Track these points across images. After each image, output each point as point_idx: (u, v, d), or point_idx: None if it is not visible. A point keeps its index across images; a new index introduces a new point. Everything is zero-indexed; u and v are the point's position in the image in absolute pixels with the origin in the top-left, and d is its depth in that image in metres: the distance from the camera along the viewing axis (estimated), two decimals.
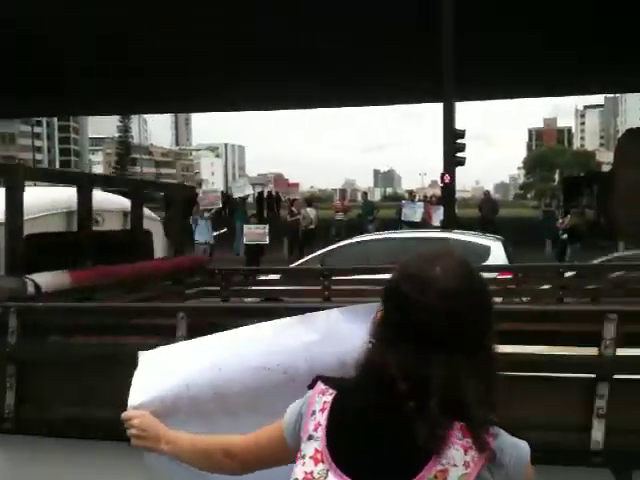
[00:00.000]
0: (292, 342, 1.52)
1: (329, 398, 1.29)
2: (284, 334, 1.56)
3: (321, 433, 1.26)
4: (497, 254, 8.47)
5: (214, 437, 1.46)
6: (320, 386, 1.32)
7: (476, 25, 17.98)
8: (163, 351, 1.67)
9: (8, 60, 24.52)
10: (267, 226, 15.99)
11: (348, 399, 1.27)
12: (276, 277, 5.38)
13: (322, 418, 1.27)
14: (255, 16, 19.35)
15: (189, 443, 1.46)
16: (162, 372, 1.60)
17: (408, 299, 1.22)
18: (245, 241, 15.63)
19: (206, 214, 15.13)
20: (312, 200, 20.91)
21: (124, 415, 1.55)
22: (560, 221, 16.36)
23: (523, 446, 1.28)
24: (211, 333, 1.71)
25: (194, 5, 18.32)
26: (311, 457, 1.24)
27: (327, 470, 1.22)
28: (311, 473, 1.23)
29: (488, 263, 7.61)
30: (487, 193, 24.81)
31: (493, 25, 19.69)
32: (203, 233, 14.98)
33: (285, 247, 19.24)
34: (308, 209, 19.10)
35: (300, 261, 9.63)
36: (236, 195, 17.56)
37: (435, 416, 1.16)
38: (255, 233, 15.65)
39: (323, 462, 1.23)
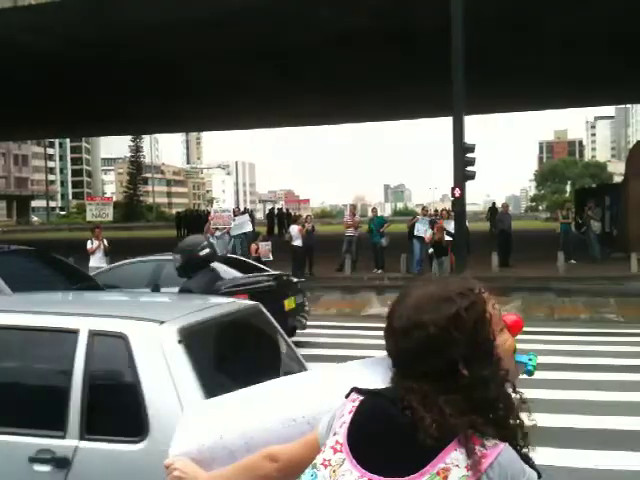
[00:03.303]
0: (316, 394, 1.62)
1: (357, 402, 1.44)
2: (311, 386, 1.68)
3: (344, 428, 1.40)
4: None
5: (253, 455, 1.60)
6: (353, 395, 1.45)
7: (485, 38, 18.03)
8: (205, 404, 1.83)
9: (21, 83, 24.85)
10: (270, 243, 16.24)
11: (372, 401, 1.42)
12: None
13: (347, 417, 1.41)
14: (273, 36, 19.50)
15: (229, 469, 1.59)
16: (201, 423, 1.70)
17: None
18: (262, 258, 15.80)
19: (217, 233, 15.54)
20: (297, 217, 21.14)
21: (166, 462, 1.68)
22: (428, 236, 16.60)
23: (525, 470, 1.36)
24: None
25: (206, 27, 18.49)
26: (331, 447, 1.39)
27: (344, 459, 1.36)
28: (329, 460, 1.38)
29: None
30: (506, 205, 24.52)
31: (501, 38, 19.75)
32: None
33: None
34: (292, 226, 19.21)
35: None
36: (234, 233, 17.46)
37: (440, 420, 1.31)
38: (262, 250, 15.83)
39: (341, 452, 1.37)
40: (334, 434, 1.42)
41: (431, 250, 16.48)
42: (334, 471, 1.37)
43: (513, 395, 1.43)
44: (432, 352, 1.36)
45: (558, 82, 26.33)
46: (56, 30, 18.91)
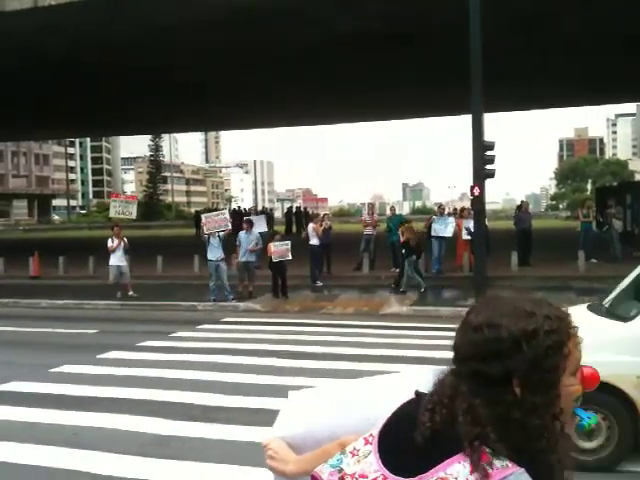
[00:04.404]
0: (390, 397, 1.70)
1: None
2: (387, 389, 1.80)
3: (381, 423, 1.48)
4: None
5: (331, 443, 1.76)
6: (412, 396, 1.51)
7: (502, 36, 17.90)
8: (306, 396, 2.01)
9: (43, 84, 25.11)
10: (289, 242, 16.15)
11: (411, 400, 1.47)
12: None
13: (390, 414, 1.48)
14: (286, 36, 19.52)
15: (312, 454, 1.75)
16: (300, 413, 1.92)
17: None
18: (274, 259, 15.76)
19: (220, 234, 15.58)
20: (314, 216, 21.24)
21: (265, 440, 1.85)
22: (401, 236, 16.46)
23: None
24: None
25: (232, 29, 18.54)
26: (364, 438, 1.47)
27: (370, 451, 1.43)
28: (358, 450, 1.46)
29: None
30: (526, 204, 24.29)
31: (519, 35, 19.59)
32: (215, 252, 15.58)
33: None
34: (309, 225, 19.21)
35: None
36: (256, 231, 17.82)
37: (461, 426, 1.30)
38: (279, 250, 15.74)
39: (370, 444, 1.45)
40: (376, 428, 1.49)
41: (403, 250, 16.28)
42: (358, 461, 1.44)
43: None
44: (493, 355, 1.33)
45: (568, 81, 26.08)
46: (69, 31, 19.02)
